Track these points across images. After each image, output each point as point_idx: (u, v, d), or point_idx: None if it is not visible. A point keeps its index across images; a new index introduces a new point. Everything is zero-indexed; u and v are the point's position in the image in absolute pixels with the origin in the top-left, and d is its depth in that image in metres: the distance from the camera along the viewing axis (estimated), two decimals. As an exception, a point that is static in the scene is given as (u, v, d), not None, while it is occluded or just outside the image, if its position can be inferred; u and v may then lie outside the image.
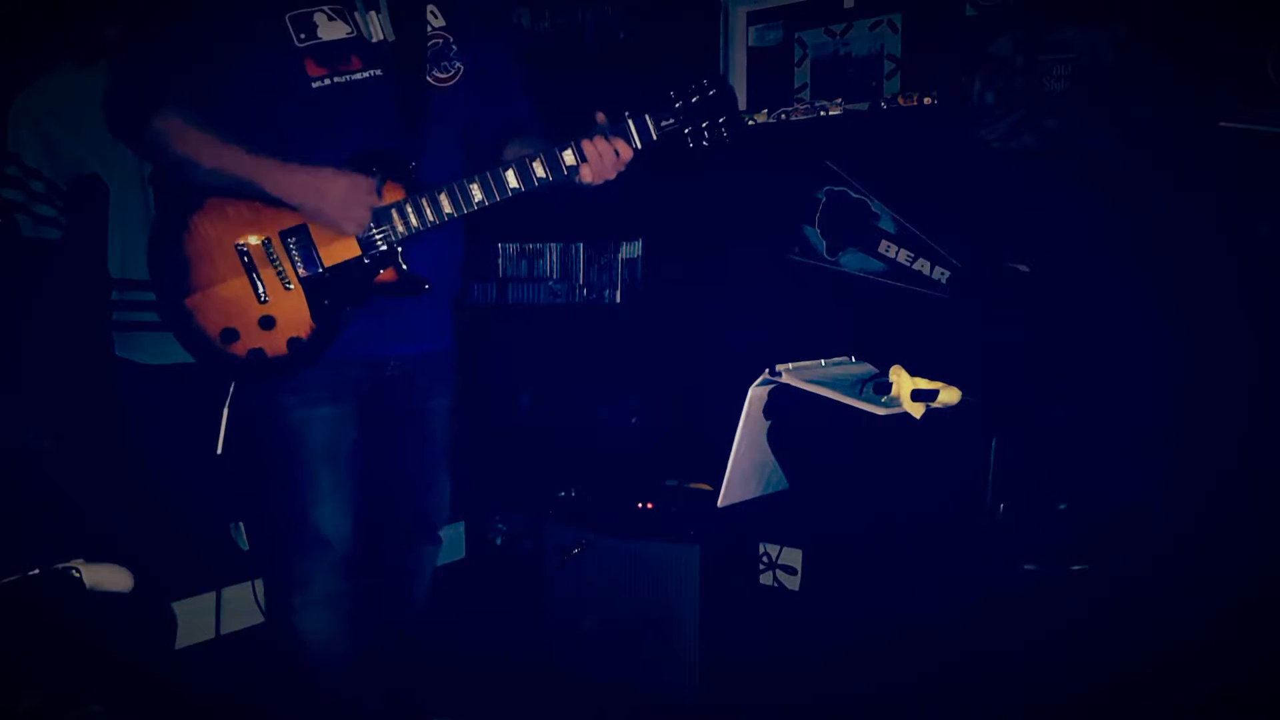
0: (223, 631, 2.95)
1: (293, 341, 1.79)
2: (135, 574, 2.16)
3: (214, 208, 1.76)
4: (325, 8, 1.79)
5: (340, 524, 1.91)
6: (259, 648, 2.96)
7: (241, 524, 3.03)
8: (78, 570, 2.05)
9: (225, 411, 1.85)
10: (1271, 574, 2.07)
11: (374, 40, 1.82)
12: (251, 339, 1.77)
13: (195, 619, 2.90)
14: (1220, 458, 2.29)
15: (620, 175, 1.84)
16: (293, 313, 1.78)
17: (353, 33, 1.80)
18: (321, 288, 1.79)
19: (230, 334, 1.77)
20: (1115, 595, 2.10)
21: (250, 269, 1.77)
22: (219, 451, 1.85)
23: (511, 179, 1.81)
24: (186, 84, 1.76)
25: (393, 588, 2.18)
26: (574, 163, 1.81)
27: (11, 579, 2.00)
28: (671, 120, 1.84)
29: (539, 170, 1.81)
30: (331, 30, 1.78)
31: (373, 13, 1.83)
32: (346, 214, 1.76)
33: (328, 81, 1.77)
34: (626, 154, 1.82)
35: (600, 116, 1.84)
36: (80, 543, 2.17)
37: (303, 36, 1.76)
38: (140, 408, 2.75)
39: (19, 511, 2.32)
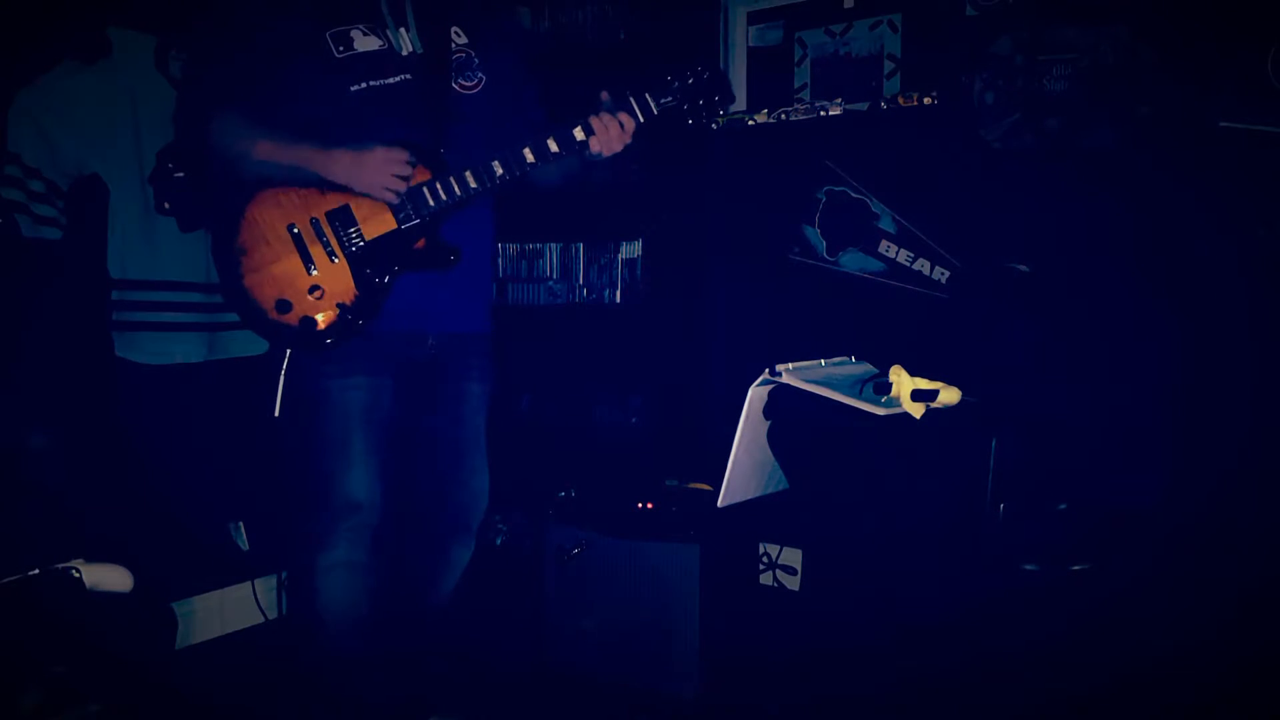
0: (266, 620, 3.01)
1: (340, 307, 1.98)
2: (135, 574, 2.16)
3: (268, 198, 1.98)
4: (360, 26, 2.00)
5: (370, 488, 2.03)
6: (259, 648, 2.96)
7: (241, 524, 3.03)
8: (78, 570, 2.06)
9: (282, 377, 2.03)
10: (1271, 574, 2.07)
11: (404, 53, 2.02)
12: (303, 307, 1.97)
13: (195, 619, 2.90)
14: (1221, 458, 2.29)
15: (627, 148, 2.00)
16: (339, 282, 1.98)
17: (384, 46, 2.01)
18: (363, 258, 1.99)
19: (284, 304, 1.97)
20: (1115, 595, 2.09)
21: (300, 246, 1.98)
22: (276, 414, 2.04)
23: (529, 155, 1.99)
24: (241, 92, 1.98)
25: (418, 581, 2.22)
26: (583, 138, 1.98)
27: (11, 579, 2.00)
28: (670, 98, 2.02)
29: (553, 146, 1.99)
30: (366, 44, 2.00)
31: (402, 30, 2.03)
32: (383, 180, 1.94)
33: (364, 85, 1.98)
34: (630, 126, 1.99)
35: (605, 95, 2.01)
36: (80, 543, 2.17)
37: (341, 49, 1.98)
38: (140, 408, 2.75)
39: (19, 511, 2.33)
